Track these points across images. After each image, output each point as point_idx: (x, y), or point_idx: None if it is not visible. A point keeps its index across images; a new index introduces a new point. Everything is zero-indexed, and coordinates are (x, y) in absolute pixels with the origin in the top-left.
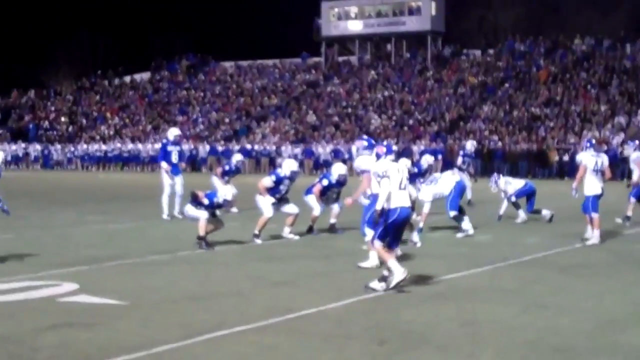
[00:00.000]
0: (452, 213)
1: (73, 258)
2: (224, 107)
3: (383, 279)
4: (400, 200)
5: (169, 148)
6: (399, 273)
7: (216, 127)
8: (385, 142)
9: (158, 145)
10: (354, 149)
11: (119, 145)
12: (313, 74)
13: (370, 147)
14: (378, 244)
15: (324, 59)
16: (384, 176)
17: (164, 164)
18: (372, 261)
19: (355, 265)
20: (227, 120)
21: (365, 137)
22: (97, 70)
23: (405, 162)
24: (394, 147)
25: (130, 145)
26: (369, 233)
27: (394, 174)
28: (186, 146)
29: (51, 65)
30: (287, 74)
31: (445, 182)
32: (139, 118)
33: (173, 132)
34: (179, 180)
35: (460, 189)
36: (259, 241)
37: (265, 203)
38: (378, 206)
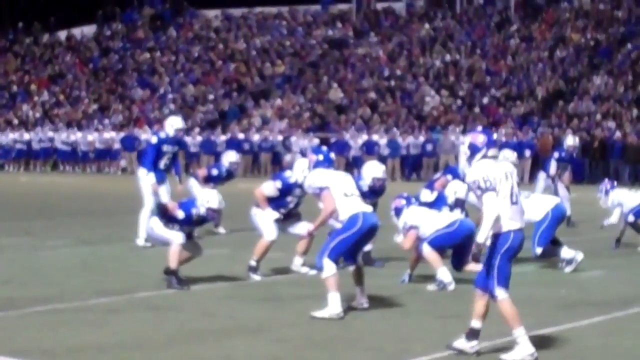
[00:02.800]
0: (539, 250)
1: None
2: (205, 78)
3: (473, 334)
4: (512, 221)
5: (164, 148)
6: (525, 348)
7: (194, 107)
8: (480, 129)
9: (108, 135)
10: (301, 164)
11: (49, 133)
12: (339, 28)
13: (327, 161)
14: (501, 292)
15: (355, 5)
16: (488, 188)
17: (150, 178)
18: (330, 309)
19: (402, 317)
20: (210, 97)
21: (322, 149)
22: (17, 22)
23: (510, 156)
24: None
25: (65, 134)
26: (328, 266)
27: (502, 182)
28: (147, 135)
29: None
30: (300, 28)
31: (537, 203)
32: (78, 93)
33: (174, 124)
34: (164, 190)
35: (557, 217)
36: (257, 277)
37: (266, 220)
38: (481, 237)
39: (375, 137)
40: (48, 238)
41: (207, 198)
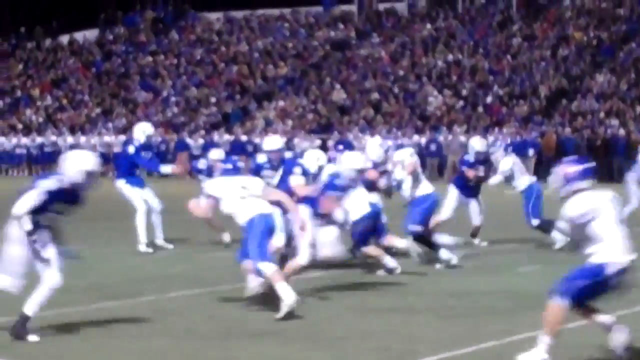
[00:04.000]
0: (535, 222)
1: None
2: (208, 81)
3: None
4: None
5: (142, 155)
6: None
7: (197, 109)
8: (569, 160)
9: (109, 139)
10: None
11: (52, 138)
12: (341, 29)
13: (235, 170)
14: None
15: (357, 6)
16: (590, 219)
17: (122, 184)
18: (286, 302)
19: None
20: (213, 99)
21: (231, 158)
22: (19, 27)
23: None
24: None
25: (69, 139)
26: (265, 267)
27: (608, 211)
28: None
29: None
30: (303, 29)
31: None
32: (81, 97)
33: (145, 130)
34: (148, 193)
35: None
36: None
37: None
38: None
39: (379, 137)
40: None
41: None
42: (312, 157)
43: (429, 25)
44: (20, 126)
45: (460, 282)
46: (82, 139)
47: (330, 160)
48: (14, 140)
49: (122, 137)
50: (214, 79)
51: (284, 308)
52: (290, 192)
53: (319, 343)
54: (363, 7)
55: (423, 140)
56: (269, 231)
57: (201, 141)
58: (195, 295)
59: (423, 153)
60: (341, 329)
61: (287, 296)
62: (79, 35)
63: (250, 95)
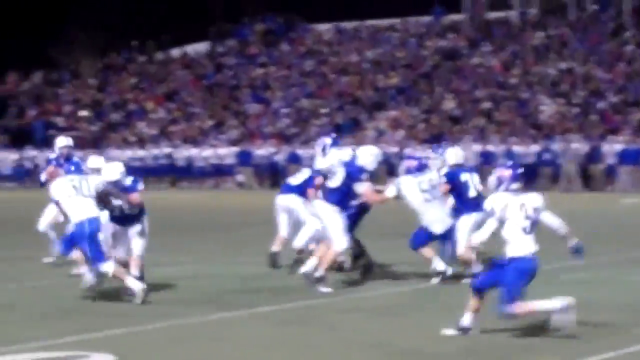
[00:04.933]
0: None
1: (102, 317)
2: (318, 91)
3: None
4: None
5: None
6: None
7: (308, 120)
8: (505, 165)
9: (224, 151)
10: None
11: (165, 150)
12: (451, 38)
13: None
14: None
15: (468, 15)
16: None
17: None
18: (138, 295)
19: None
20: (323, 110)
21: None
22: (132, 40)
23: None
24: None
25: (183, 151)
26: (105, 266)
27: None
28: (262, 150)
29: (64, 36)
30: (413, 39)
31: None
32: (193, 110)
33: (59, 144)
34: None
35: None
36: (326, 289)
37: (339, 227)
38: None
39: (490, 147)
40: (167, 254)
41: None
42: (367, 154)
43: (540, 34)
44: (133, 139)
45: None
46: (195, 151)
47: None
48: (128, 153)
49: (234, 149)
50: (324, 89)
51: (139, 300)
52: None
53: (439, 355)
54: (473, 16)
55: (536, 148)
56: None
57: (312, 152)
58: (313, 307)
59: (537, 162)
60: (454, 342)
61: (136, 286)
62: (190, 49)
63: (361, 105)
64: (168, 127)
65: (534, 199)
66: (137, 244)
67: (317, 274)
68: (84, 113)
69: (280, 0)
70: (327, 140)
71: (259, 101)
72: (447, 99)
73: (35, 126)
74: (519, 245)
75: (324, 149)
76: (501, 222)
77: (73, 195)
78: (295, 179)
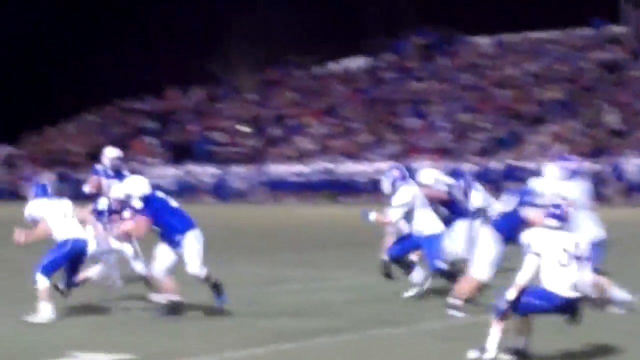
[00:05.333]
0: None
1: (268, 331)
2: (478, 105)
3: None
4: None
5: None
6: None
7: (466, 135)
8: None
9: (381, 165)
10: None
11: (325, 165)
12: (613, 50)
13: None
14: None
15: (631, 26)
16: None
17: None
18: (42, 315)
19: None
20: (483, 124)
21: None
22: (291, 55)
23: None
24: None
25: (342, 166)
26: (41, 280)
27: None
28: (422, 165)
29: (224, 51)
30: (574, 52)
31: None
32: (352, 125)
33: (110, 154)
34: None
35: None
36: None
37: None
38: None
39: None
40: (329, 269)
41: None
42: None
43: None
44: (293, 154)
45: None
46: (354, 166)
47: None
48: (288, 168)
49: (393, 164)
50: (483, 103)
51: (36, 319)
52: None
53: None
54: (636, 28)
55: None
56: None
57: (474, 167)
58: (477, 324)
59: None
60: None
61: (45, 311)
62: (348, 63)
63: (521, 119)
64: (327, 142)
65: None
66: (136, 266)
67: (452, 300)
68: (243, 128)
69: (438, 14)
70: (395, 173)
71: (418, 115)
72: (608, 112)
73: (196, 142)
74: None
75: (393, 183)
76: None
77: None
78: None
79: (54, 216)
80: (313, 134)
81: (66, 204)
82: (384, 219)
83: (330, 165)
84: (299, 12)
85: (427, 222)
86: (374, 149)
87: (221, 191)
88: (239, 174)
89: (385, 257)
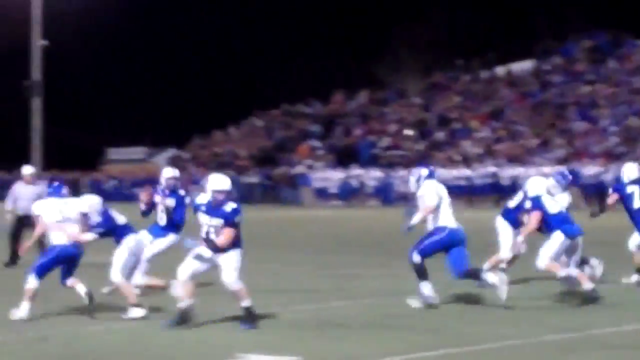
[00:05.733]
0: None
1: (436, 335)
2: None
3: None
4: None
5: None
6: None
7: (637, 139)
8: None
9: (550, 170)
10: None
11: (491, 169)
12: None
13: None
14: None
15: None
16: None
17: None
18: (20, 312)
19: None
20: None
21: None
22: (457, 59)
23: None
24: None
25: (508, 170)
26: (31, 279)
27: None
28: (590, 170)
29: (390, 55)
30: None
31: None
32: (519, 128)
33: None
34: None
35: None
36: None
37: None
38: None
39: None
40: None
41: None
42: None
43: None
44: (458, 158)
45: None
46: (520, 170)
47: None
48: (453, 172)
49: (560, 168)
50: None
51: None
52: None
53: None
54: None
55: None
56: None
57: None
58: None
59: None
60: None
61: (23, 310)
62: (516, 67)
63: None
64: (493, 146)
65: None
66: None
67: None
68: (408, 132)
69: (607, 17)
70: (423, 172)
71: (586, 119)
72: None
73: (361, 145)
74: None
75: (418, 180)
76: None
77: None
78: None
79: (52, 217)
80: (478, 137)
81: (72, 206)
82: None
83: (495, 170)
84: (465, 16)
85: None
86: (540, 152)
87: (385, 195)
88: (403, 178)
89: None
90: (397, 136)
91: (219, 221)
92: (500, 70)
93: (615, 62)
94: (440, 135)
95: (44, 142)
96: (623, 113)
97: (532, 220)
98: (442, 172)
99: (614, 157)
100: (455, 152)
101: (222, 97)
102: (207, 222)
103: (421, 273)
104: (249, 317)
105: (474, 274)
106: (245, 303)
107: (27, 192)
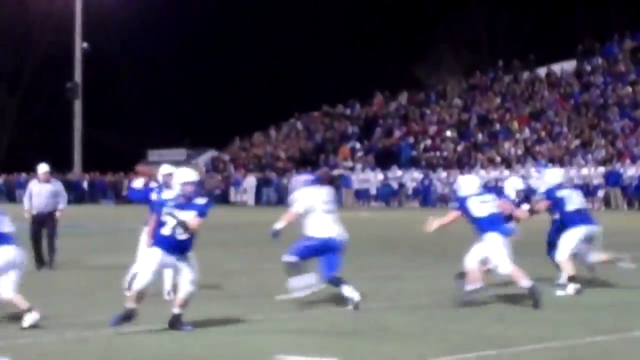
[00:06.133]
0: None
1: (471, 340)
2: None
3: None
4: None
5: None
6: None
7: None
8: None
9: (588, 171)
10: None
11: (531, 170)
12: None
13: None
14: None
15: None
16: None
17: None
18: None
19: None
20: None
21: None
22: (497, 60)
23: None
24: None
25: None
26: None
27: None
28: (632, 171)
29: (430, 56)
30: None
31: None
32: (559, 129)
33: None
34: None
35: None
36: None
37: None
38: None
39: None
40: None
41: None
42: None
43: None
44: (498, 159)
45: None
46: (561, 172)
47: None
48: (494, 174)
49: (601, 169)
50: None
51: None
52: None
53: None
54: None
55: None
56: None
57: None
58: None
59: None
60: None
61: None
62: (557, 67)
63: None
64: (533, 147)
65: None
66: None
67: None
68: (449, 133)
69: None
70: (304, 179)
71: (628, 120)
72: None
73: (401, 147)
74: None
75: (297, 185)
76: None
77: None
78: None
79: None
80: (519, 138)
81: None
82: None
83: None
84: (506, 16)
85: None
86: (582, 154)
87: (425, 196)
88: (443, 179)
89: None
90: (438, 137)
91: (189, 214)
92: (541, 71)
93: None
94: (480, 136)
95: (84, 144)
96: None
97: (448, 217)
98: (483, 173)
99: None
100: (496, 153)
101: (262, 99)
102: (175, 217)
103: (292, 271)
104: (178, 323)
105: (337, 282)
106: (178, 310)
107: (43, 190)
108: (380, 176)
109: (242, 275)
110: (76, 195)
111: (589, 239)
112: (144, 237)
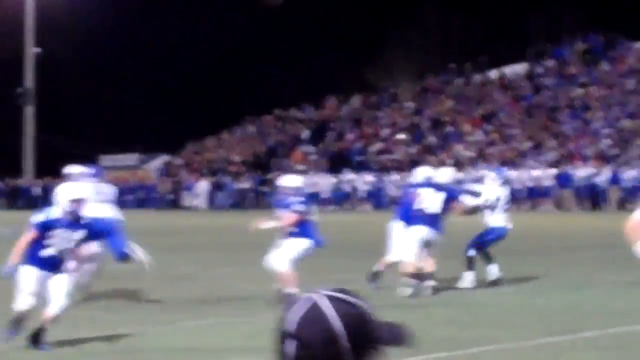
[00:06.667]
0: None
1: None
2: None
3: None
4: None
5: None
6: None
7: (629, 141)
8: None
9: (539, 173)
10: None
11: (482, 172)
12: None
13: None
14: None
15: None
16: None
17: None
18: None
19: None
20: None
21: None
22: (449, 63)
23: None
24: None
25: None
26: None
27: None
28: (582, 172)
29: (382, 60)
30: None
31: None
32: (511, 132)
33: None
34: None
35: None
36: None
37: None
38: None
39: None
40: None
41: None
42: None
43: None
44: (450, 161)
45: None
46: (513, 173)
47: None
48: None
49: (553, 171)
50: None
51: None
52: None
53: None
54: None
55: None
56: None
57: (634, 173)
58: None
59: None
60: None
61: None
62: (508, 70)
63: None
64: (485, 149)
65: None
66: None
67: None
68: (401, 136)
69: (601, 19)
70: (87, 170)
71: (579, 122)
72: None
73: (353, 150)
74: None
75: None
76: None
77: None
78: None
79: None
80: (471, 141)
81: None
82: None
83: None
84: (458, 19)
85: None
86: (533, 155)
87: (378, 199)
88: (395, 182)
89: None
90: (390, 140)
91: (82, 234)
92: (492, 73)
93: (608, 64)
94: (432, 139)
95: (36, 149)
96: (616, 115)
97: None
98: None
99: (606, 159)
100: (448, 156)
101: (214, 103)
102: (66, 238)
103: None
104: (38, 339)
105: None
106: (46, 326)
107: None
108: (332, 179)
109: (194, 279)
110: (25, 200)
111: (427, 243)
112: None
